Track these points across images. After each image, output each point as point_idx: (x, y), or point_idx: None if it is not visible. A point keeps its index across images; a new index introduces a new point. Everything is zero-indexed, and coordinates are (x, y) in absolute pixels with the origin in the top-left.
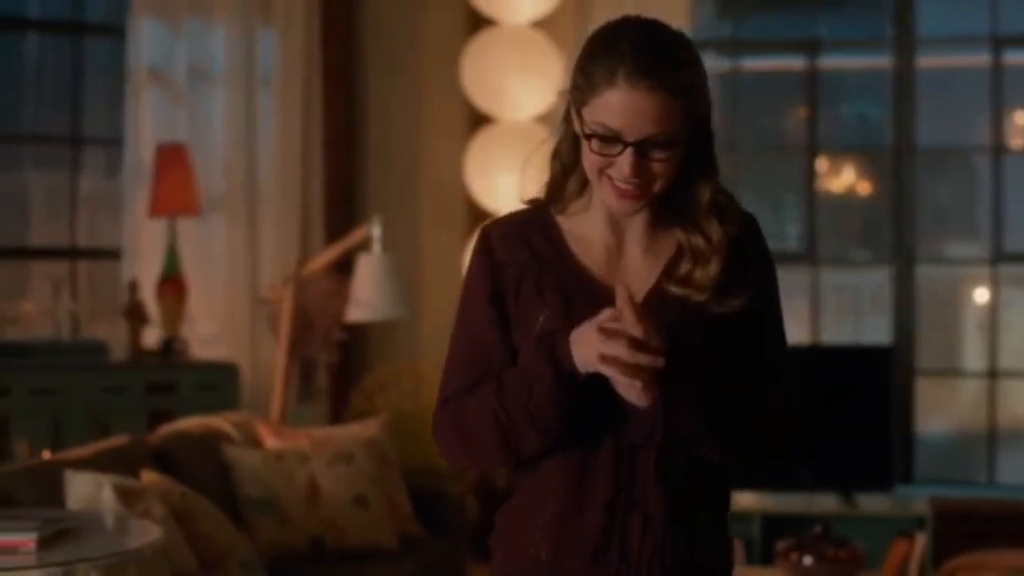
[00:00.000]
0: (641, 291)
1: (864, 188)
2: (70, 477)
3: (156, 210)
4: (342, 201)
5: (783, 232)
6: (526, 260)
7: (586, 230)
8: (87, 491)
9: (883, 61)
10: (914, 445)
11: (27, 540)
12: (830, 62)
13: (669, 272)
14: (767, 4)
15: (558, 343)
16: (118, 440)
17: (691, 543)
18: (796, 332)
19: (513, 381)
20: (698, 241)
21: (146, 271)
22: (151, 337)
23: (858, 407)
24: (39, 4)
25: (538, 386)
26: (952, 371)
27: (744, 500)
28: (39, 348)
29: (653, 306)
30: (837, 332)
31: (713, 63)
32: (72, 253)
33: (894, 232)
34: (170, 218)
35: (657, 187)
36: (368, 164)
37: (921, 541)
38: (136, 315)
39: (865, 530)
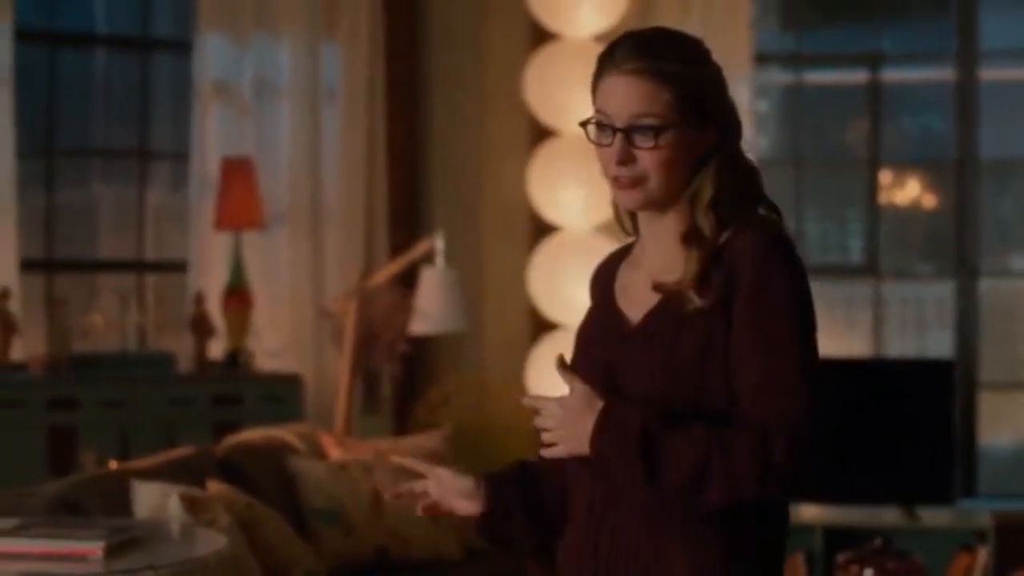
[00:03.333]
0: (643, 309)
1: (927, 201)
2: (137, 487)
3: (222, 223)
4: (405, 214)
5: (846, 245)
6: (598, 294)
7: (638, 254)
8: (154, 501)
9: (946, 74)
10: (976, 458)
11: (95, 548)
12: (893, 75)
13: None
14: (830, 18)
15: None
16: (184, 451)
17: (662, 559)
18: (859, 345)
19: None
20: (691, 244)
21: (212, 284)
22: (216, 349)
23: (920, 420)
24: (107, 20)
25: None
26: (1015, 384)
27: (805, 513)
28: (107, 360)
29: (648, 325)
30: (901, 345)
31: (776, 77)
32: (139, 266)
33: (957, 245)
34: (236, 231)
35: (652, 183)
36: (432, 177)
37: (983, 555)
38: (202, 327)
39: (926, 543)
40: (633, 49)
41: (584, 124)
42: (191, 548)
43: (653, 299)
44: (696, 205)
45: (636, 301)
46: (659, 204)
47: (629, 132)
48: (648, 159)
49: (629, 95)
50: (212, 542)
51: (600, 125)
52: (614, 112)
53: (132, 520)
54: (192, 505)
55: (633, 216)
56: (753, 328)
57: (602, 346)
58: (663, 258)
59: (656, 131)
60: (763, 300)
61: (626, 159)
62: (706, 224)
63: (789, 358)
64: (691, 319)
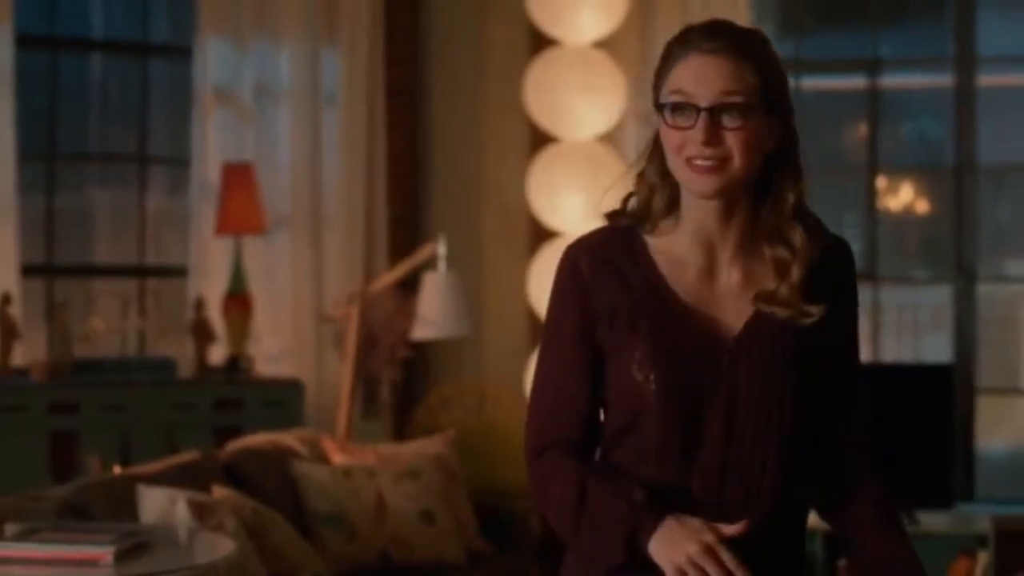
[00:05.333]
0: (739, 320)
1: (924, 206)
2: (143, 492)
3: (223, 228)
4: (406, 220)
5: None
6: (616, 288)
7: (676, 250)
8: (160, 505)
9: (944, 79)
10: (974, 463)
11: (105, 553)
12: (891, 80)
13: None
14: (828, 23)
15: (641, 536)
16: (189, 456)
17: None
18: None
19: (595, 517)
20: (781, 251)
21: (212, 289)
22: (217, 354)
23: (919, 425)
24: (107, 25)
25: (607, 545)
26: (1013, 390)
27: None
28: (108, 365)
29: (751, 336)
30: (897, 350)
31: None
32: (140, 271)
33: (955, 250)
34: (236, 236)
35: (736, 164)
36: (432, 183)
37: (983, 559)
38: (202, 332)
39: (926, 548)
40: (715, 30)
41: (660, 108)
42: (200, 553)
43: (745, 308)
44: (782, 208)
45: (720, 308)
46: (734, 191)
47: (715, 112)
48: (734, 139)
49: (717, 72)
50: (220, 547)
51: (678, 106)
52: (698, 91)
53: (140, 525)
54: (199, 510)
55: (670, 208)
56: (856, 346)
57: (699, 361)
58: (737, 263)
59: (743, 110)
60: (856, 316)
61: (713, 139)
62: (796, 233)
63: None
64: (789, 327)
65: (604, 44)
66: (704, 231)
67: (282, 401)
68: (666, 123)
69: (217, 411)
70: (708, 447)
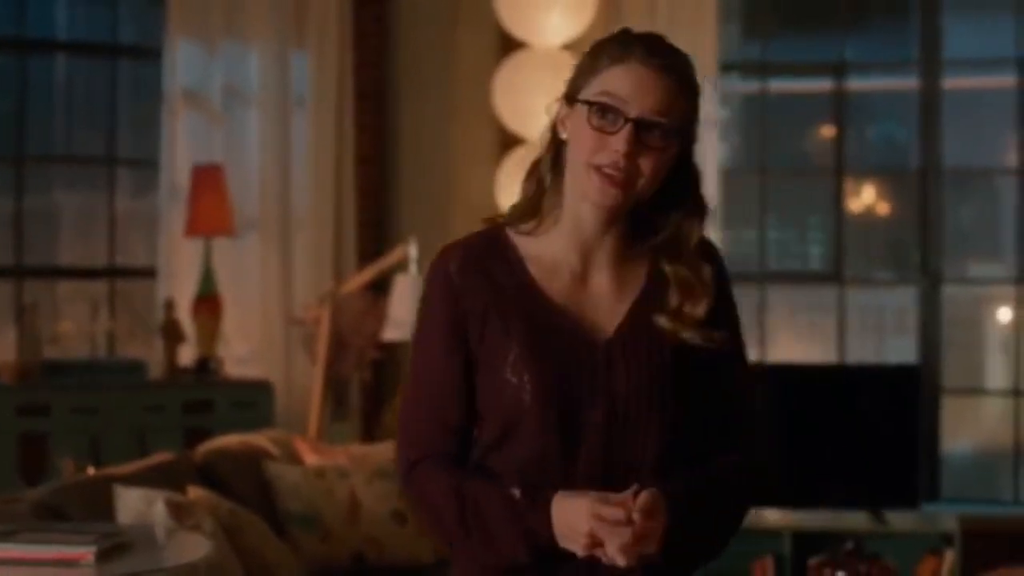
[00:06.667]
0: (612, 322)
1: (889, 209)
2: (120, 492)
3: (192, 230)
4: (375, 222)
5: (807, 252)
6: (488, 293)
7: (550, 252)
8: (137, 506)
9: (910, 83)
10: (940, 463)
11: (85, 553)
12: (856, 84)
13: (646, 302)
14: (793, 26)
15: (536, 520)
16: (163, 457)
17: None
18: (823, 351)
19: (482, 522)
20: (688, 276)
21: (181, 291)
22: (186, 356)
23: (884, 425)
24: (75, 27)
25: (507, 548)
26: (977, 390)
27: (773, 517)
28: (78, 367)
29: (625, 339)
30: (861, 351)
31: (739, 85)
32: (109, 273)
33: (921, 252)
34: (206, 238)
35: (640, 185)
36: (401, 185)
37: (950, 558)
38: (172, 334)
39: (893, 547)
40: (661, 46)
41: (583, 103)
42: (180, 553)
43: (619, 311)
44: (685, 243)
45: (593, 310)
46: (626, 209)
47: (641, 125)
48: (649, 159)
49: (655, 88)
50: (200, 547)
51: (607, 108)
52: (631, 100)
53: (118, 525)
54: (177, 511)
55: (555, 208)
56: (740, 353)
57: (574, 362)
58: (612, 267)
59: (667, 133)
60: (736, 315)
61: (633, 156)
62: (702, 266)
63: (751, 381)
64: (669, 334)
65: (573, 47)
66: (582, 235)
67: (252, 403)
68: (588, 122)
69: (187, 413)
70: (588, 449)
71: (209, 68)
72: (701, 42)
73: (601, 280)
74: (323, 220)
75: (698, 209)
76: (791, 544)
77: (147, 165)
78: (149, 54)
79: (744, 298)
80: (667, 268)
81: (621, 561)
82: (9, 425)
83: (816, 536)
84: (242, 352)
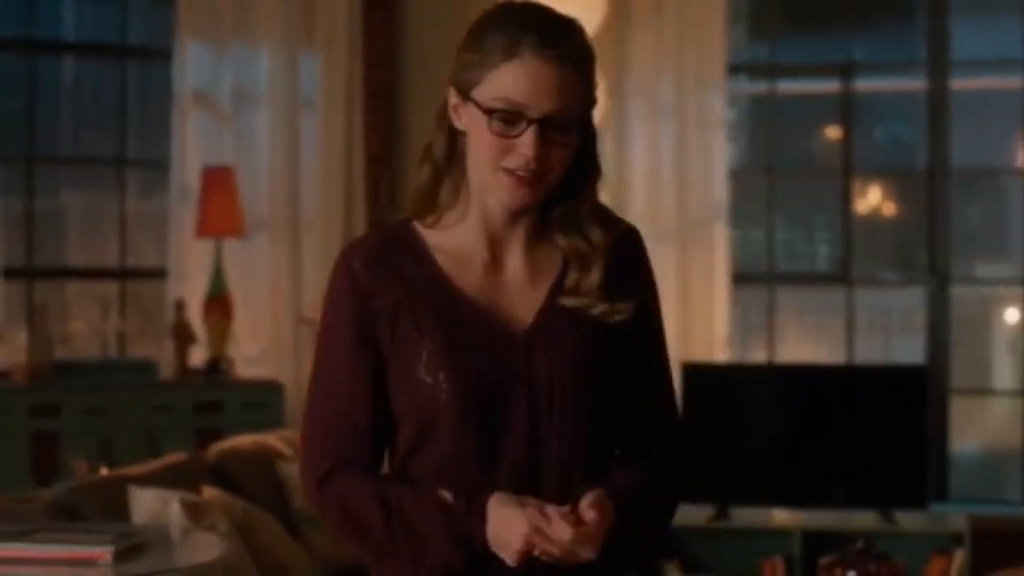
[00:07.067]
0: (529, 312)
1: (896, 209)
2: (135, 493)
3: (203, 231)
4: (384, 222)
5: (815, 253)
6: (397, 289)
7: (459, 243)
8: (153, 506)
9: (917, 84)
10: (948, 463)
11: (104, 553)
12: (864, 85)
13: (564, 286)
14: (800, 27)
15: (474, 525)
16: (176, 457)
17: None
18: (831, 352)
19: (412, 530)
20: (580, 244)
21: (191, 291)
22: (197, 356)
23: (893, 425)
24: (85, 28)
25: (441, 556)
26: (984, 391)
27: (783, 517)
28: (89, 368)
29: (544, 327)
30: (869, 352)
31: (746, 86)
32: (119, 273)
33: (928, 253)
34: (216, 239)
35: (553, 176)
36: (410, 186)
37: (960, 558)
38: (183, 335)
39: (902, 547)
40: (554, 32)
41: (488, 112)
42: (196, 553)
43: (535, 298)
44: (580, 203)
45: (509, 300)
46: (537, 203)
47: (544, 124)
48: (558, 153)
49: (552, 84)
50: (215, 547)
51: (508, 116)
52: (530, 102)
53: (134, 526)
54: (192, 511)
55: (456, 198)
56: (659, 337)
57: (493, 356)
58: (524, 254)
59: (571, 124)
60: (657, 299)
61: (543, 155)
62: (595, 228)
63: (669, 365)
64: (587, 317)
65: None
66: (491, 226)
67: (262, 403)
68: (491, 130)
69: (198, 413)
70: (514, 446)
71: (219, 69)
72: (709, 44)
73: (514, 268)
74: (333, 220)
75: (594, 168)
76: (801, 544)
77: (156, 166)
78: (158, 55)
79: (752, 299)
80: (562, 241)
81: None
82: (20, 425)
83: (825, 536)
84: (252, 353)
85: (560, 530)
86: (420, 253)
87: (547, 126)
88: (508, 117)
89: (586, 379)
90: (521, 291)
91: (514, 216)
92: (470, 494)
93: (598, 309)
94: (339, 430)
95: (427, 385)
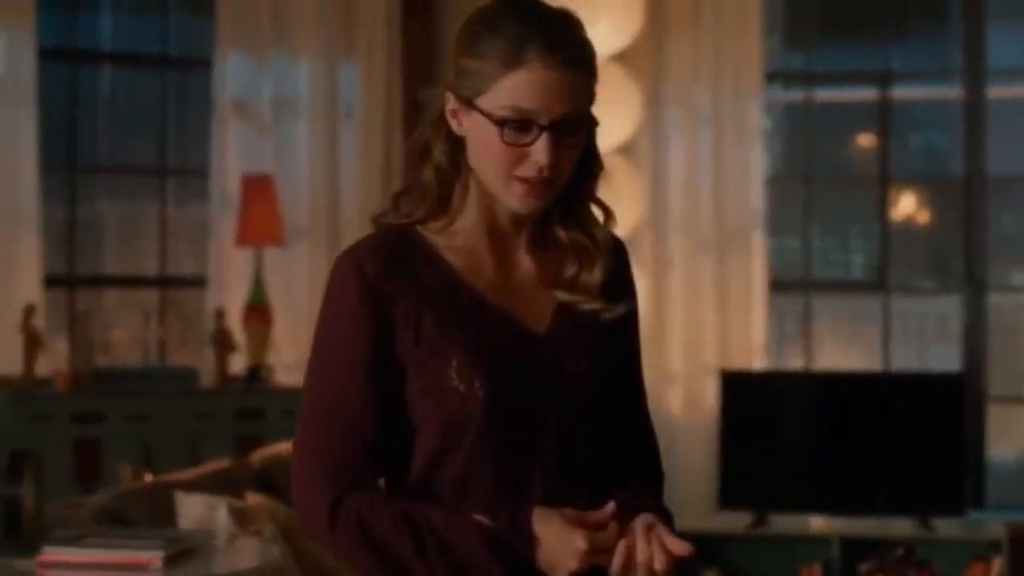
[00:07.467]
0: (544, 312)
1: (932, 217)
2: (181, 498)
3: (243, 239)
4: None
5: (850, 261)
6: (415, 293)
7: (466, 244)
8: (199, 512)
9: (953, 91)
10: (985, 471)
11: (154, 558)
12: (900, 93)
13: (556, 279)
14: (836, 36)
15: (520, 546)
16: (222, 463)
17: None
18: (867, 359)
19: (449, 552)
20: (582, 239)
21: (231, 299)
22: (237, 364)
23: (930, 433)
24: (127, 38)
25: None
26: (1021, 398)
27: (821, 524)
28: (130, 375)
29: (562, 329)
30: (904, 359)
31: (782, 95)
32: (160, 282)
33: (964, 260)
34: (256, 247)
35: (561, 182)
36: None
37: (998, 565)
38: (223, 342)
39: (939, 554)
40: (559, 34)
41: (499, 123)
42: (244, 558)
43: (547, 298)
44: (582, 197)
45: (522, 300)
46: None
47: (555, 128)
48: (568, 156)
49: (562, 90)
50: (262, 552)
51: (521, 125)
52: (541, 108)
53: (181, 531)
54: (239, 516)
55: (463, 201)
56: (639, 349)
57: (505, 356)
58: (530, 252)
59: (581, 125)
60: (637, 320)
61: (556, 161)
62: (596, 222)
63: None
64: (594, 318)
65: (619, 58)
66: (497, 224)
67: None
68: (503, 140)
69: (238, 420)
70: (545, 451)
71: (258, 79)
72: (746, 52)
73: (523, 267)
74: (371, 229)
75: (595, 161)
76: (839, 551)
77: (195, 175)
78: (199, 65)
79: (788, 306)
80: (562, 235)
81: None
82: (63, 431)
83: (863, 543)
84: (292, 360)
85: (645, 553)
86: (430, 256)
87: (558, 131)
88: (519, 125)
89: (602, 381)
90: (532, 291)
91: (520, 217)
92: (511, 511)
93: (594, 305)
94: (348, 447)
95: (460, 392)
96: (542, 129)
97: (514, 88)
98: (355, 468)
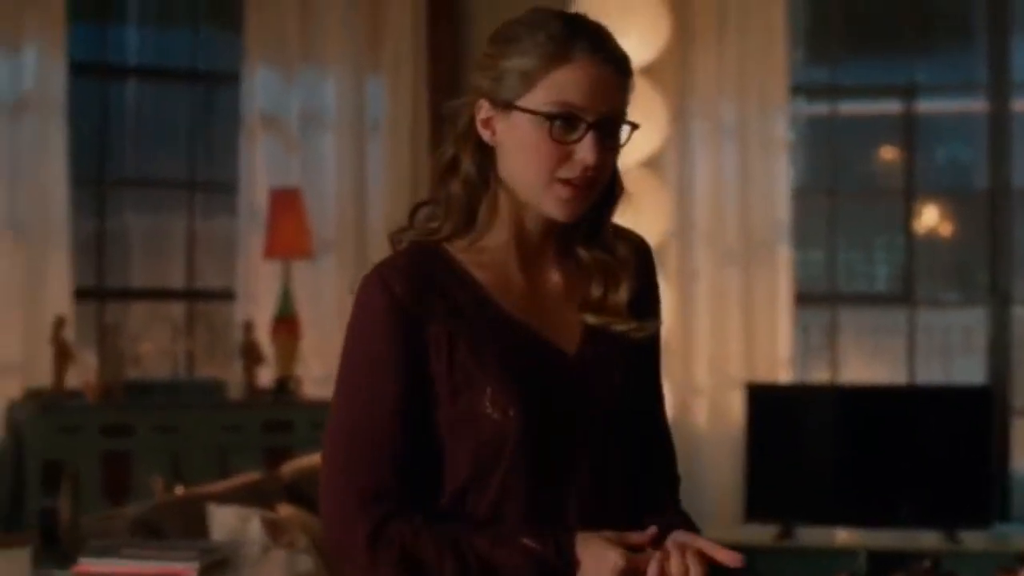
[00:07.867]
0: (573, 333)
1: (957, 230)
2: (213, 510)
3: (271, 252)
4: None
5: (874, 274)
6: (446, 314)
7: (494, 262)
8: (232, 523)
9: (978, 104)
10: (1011, 483)
11: (190, 569)
12: (924, 106)
13: (583, 302)
14: (860, 49)
15: (563, 569)
16: (252, 476)
17: None
18: (892, 372)
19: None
20: (606, 259)
21: (259, 312)
22: (265, 377)
23: (956, 445)
24: (156, 53)
25: None
26: None
27: (847, 537)
28: (159, 387)
29: (593, 348)
30: (929, 372)
31: (806, 108)
32: (188, 294)
33: (989, 273)
34: (284, 260)
35: (600, 185)
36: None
37: None
38: (251, 355)
39: (966, 566)
40: (600, 34)
41: (549, 117)
42: (277, 570)
43: (574, 318)
44: (605, 216)
45: (551, 320)
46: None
47: (600, 127)
48: (610, 160)
49: (608, 87)
50: (296, 564)
51: (569, 120)
52: (588, 105)
53: (215, 542)
54: (271, 528)
55: (492, 215)
56: (658, 347)
57: (538, 381)
58: (560, 269)
59: (621, 127)
60: (659, 324)
61: (600, 160)
62: (619, 241)
63: None
64: (622, 335)
65: (645, 72)
66: (525, 240)
67: None
68: (549, 136)
69: (266, 432)
70: (580, 475)
71: (287, 93)
72: (771, 66)
73: (550, 286)
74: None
75: (615, 187)
76: (866, 563)
77: (223, 188)
78: (227, 79)
79: (814, 319)
80: (584, 255)
81: None
82: (93, 444)
83: (890, 555)
84: (320, 373)
85: (680, 567)
86: (460, 274)
87: (603, 130)
88: (567, 121)
89: (631, 397)
90: (559, 310)
91: (548, 231)
92: (555, 534)
93: (624, 326)
94: (384, 472)
95: (494, 421)
96: (589, 127)
97: (562, 83)
98: (391, 492)
